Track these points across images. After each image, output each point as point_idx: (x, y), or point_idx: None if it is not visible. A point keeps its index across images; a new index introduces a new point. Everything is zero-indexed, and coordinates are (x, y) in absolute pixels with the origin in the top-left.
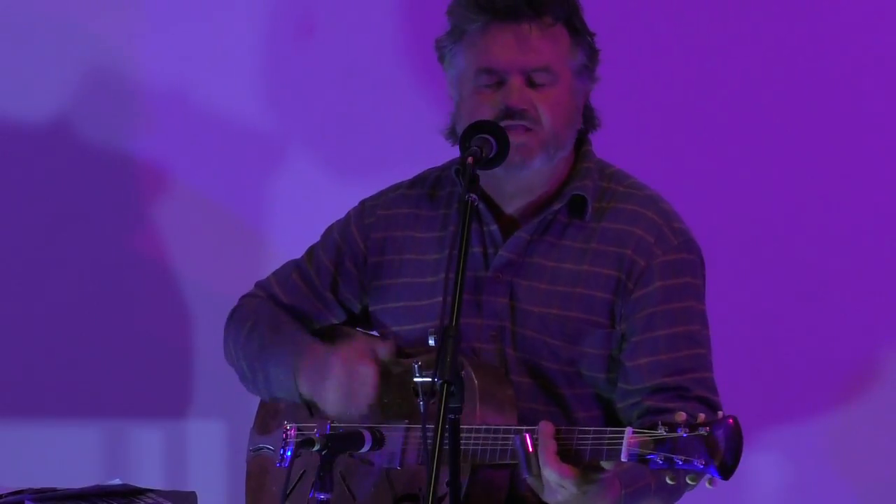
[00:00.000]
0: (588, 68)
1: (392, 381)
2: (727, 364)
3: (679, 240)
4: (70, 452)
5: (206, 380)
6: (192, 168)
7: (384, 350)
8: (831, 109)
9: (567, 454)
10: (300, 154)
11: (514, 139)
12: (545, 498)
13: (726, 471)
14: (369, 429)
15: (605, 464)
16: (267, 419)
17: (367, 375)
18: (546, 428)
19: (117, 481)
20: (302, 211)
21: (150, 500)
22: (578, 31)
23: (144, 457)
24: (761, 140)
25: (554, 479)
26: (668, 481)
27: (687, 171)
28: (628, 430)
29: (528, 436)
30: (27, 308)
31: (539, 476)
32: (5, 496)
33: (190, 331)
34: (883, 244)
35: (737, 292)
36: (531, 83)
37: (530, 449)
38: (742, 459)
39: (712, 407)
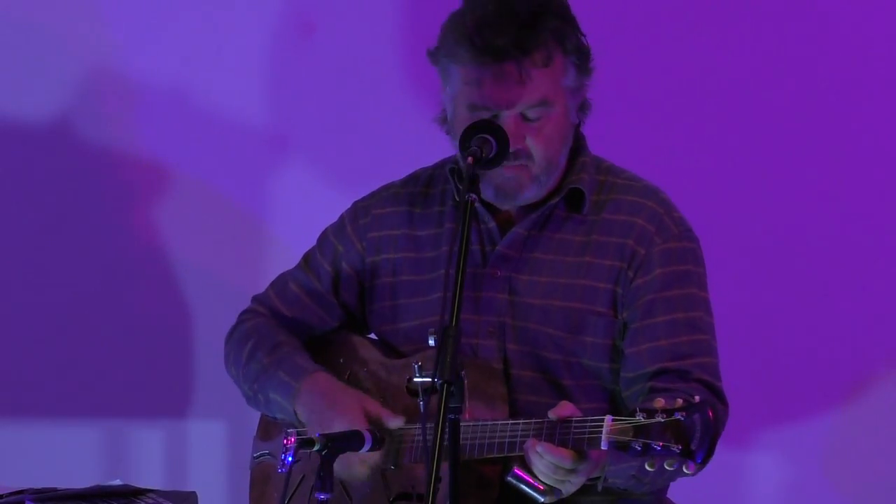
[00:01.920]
0: (580, 79)
1: (388, 382)
2: (727, 364)
3: (679, 228)
4: (70, 452)
5: (206, 380)
6: (192, 167)
7: (391, 421)
8: (831, 109)
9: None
10: (301, 152)
11: (507, 172)
12: (565, 493)
13: (696, 454)
14: (369, 429)
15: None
16: (269, 426)
17: (367, 462)
18: (532, 443)
19: (117, 481)
20: (303, 210)
21: (150, 501)
22: (568, 49)
23: (144, 457)
24: (761, 140)
25: (565, 466)
26: (647, 467)
27: (686, 171)
28: (608, 417)
29: (516, 469)
30: (27, 308)
31: (551, 491)
32: (5, 496)
33: (190, 331)
34: (883, 245)
35: (737, 292)
36: (525, 117)
37: (528, 479)
38: (742, 459)
39: (714, 391)
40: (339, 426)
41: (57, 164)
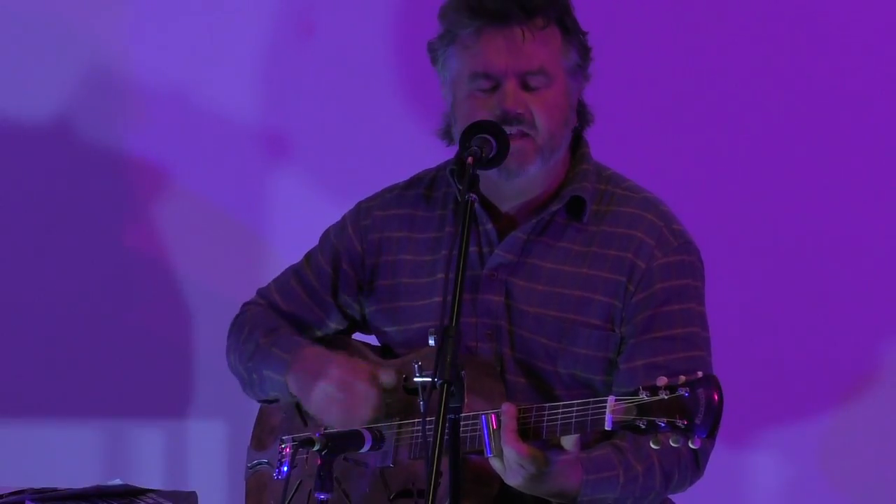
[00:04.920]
0: (581, 67)
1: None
2: (727, 364)
3: (679, 241)
4: (70, 452)
5: (206, 380)
6: (190, 167)
7: (387, 377)
8: (831, 109)
9: (537, 432)
10: (299, 153)
11: (511, 145)
12: (506, 480)
13: (700, 429)
14: (369, 429)
15: (566, 444)
16: (263, 436)
17: (368, 396)
18: (508, 408)
19: (117, 481)
20: (300, 210)
21: (150, 501)
22: (570, 31)
23: (144, 457)
24: (761, 140)
25: (513, 459)
26: (653, 445)
27: (686, 171)
28: (610, 398)
29: (493, 416)
30: (27, 308)
31: (501, 457)
32: (5, 496)
33: (190, 331)
34: (883, 245)
35: (737, 293)
36: (526, 86)
37: (494, 426)
38: (742, 459)
39: None
40: (335, 379)
41: (57, 164)
